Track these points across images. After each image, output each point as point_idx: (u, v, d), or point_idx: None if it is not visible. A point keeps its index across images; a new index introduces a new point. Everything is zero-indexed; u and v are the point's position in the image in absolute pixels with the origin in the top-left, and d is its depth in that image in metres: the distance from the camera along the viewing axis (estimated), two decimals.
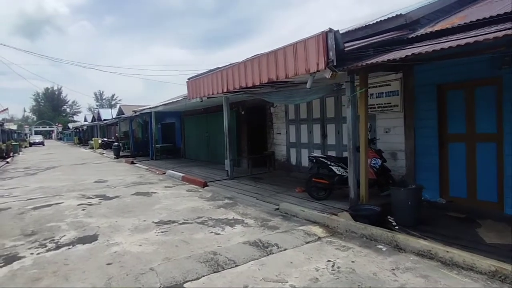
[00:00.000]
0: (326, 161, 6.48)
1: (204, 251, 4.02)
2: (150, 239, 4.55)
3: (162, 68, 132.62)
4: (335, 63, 4.62)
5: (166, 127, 18.51)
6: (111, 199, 7.35)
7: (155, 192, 8.02)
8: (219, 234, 4.72)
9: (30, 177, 11.68)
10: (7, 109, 35.72)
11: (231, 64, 7.36)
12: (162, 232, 4.87)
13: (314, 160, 6.58)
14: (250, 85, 6.43)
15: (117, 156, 19.07)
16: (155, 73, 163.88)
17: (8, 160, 19.89)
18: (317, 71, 4.84)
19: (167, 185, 9.04)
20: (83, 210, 6.39)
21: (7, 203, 7.26)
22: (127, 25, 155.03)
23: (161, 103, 14.19)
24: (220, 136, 13.42)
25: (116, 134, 25.43)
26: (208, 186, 8.52)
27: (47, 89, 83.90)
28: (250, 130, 11.81)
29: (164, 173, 11.30)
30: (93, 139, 30.70)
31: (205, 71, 9.34)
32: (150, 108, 14.94)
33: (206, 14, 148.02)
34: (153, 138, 16.32)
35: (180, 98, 11.15)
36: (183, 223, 5.33)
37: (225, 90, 7.37)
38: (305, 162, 8.88)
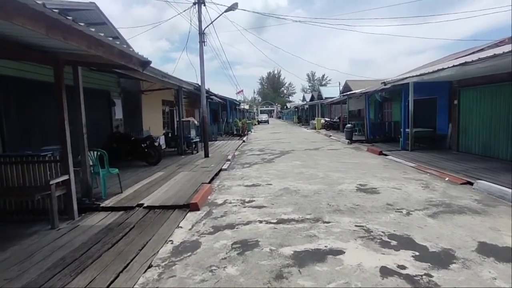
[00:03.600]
0: None
1: None
2: None
3: (368, 46, 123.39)
4: None
5: (417, 105, 13.09)
6: (445, 266, 3.22)
7: None
8: None
9: (268, 166, 9.62)
10: (242, 90, 41.02)
11: None
12: None
13: None
14: None
15: (350, 140, 15.66)
16: (361, 51, 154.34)
17: (244, 138, 20.34)
18: None
19: None
20: None
21: (253, 226, 4.55)
22: (335, 6, 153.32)
23: (446, 66, 8.17)
24: None
25: (343, 114, 22.33)
26: None
27: (269, 73, 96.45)
28: None
29: (468, 183, 6.42)
30: (315, 118, 29.20)
31: None
32: (417, 74, 9.72)
33: None
34: (409, 120, 11.59)
35: (505, 51, 5.58)
36: None
37: None
38: None
